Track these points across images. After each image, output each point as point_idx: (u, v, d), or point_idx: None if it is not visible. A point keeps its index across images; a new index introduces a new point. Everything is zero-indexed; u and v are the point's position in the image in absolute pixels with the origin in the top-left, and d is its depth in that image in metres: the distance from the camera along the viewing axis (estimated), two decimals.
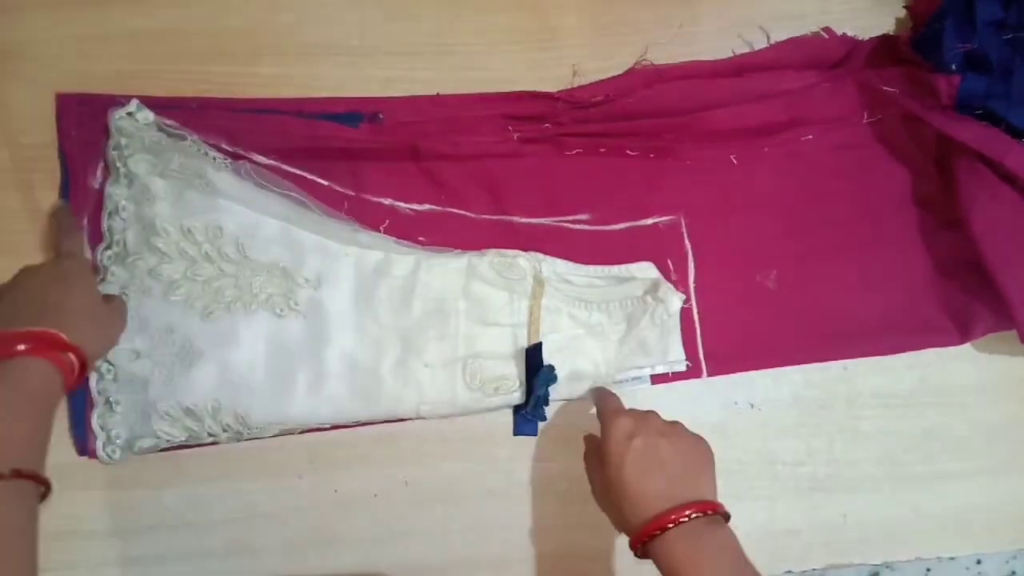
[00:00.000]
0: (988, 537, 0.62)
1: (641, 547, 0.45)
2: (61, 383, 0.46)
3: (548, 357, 0.58)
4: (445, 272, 0.58)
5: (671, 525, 0.43)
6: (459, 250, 0.59)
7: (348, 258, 0.57)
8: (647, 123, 0.61)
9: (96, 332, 0.51)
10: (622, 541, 0.59)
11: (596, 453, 0.52)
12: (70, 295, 0.49)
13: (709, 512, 0.44)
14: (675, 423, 0.50)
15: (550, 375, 0.57)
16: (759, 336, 0.61)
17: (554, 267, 0.60)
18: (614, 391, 0.58)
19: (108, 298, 0.54)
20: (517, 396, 0.58)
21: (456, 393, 0.58)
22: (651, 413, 0.50)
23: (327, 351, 0.57)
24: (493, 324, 0.59)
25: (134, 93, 0.58)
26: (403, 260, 0.58)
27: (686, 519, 0.43)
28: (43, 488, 0.43)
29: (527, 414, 0.58)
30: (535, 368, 0.57)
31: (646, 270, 0.61)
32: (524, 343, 0.59)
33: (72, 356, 0.47)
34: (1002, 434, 0.63)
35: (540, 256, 0.59)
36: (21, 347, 0.45)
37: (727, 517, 0.46)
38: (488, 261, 0.59)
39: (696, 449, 0.48)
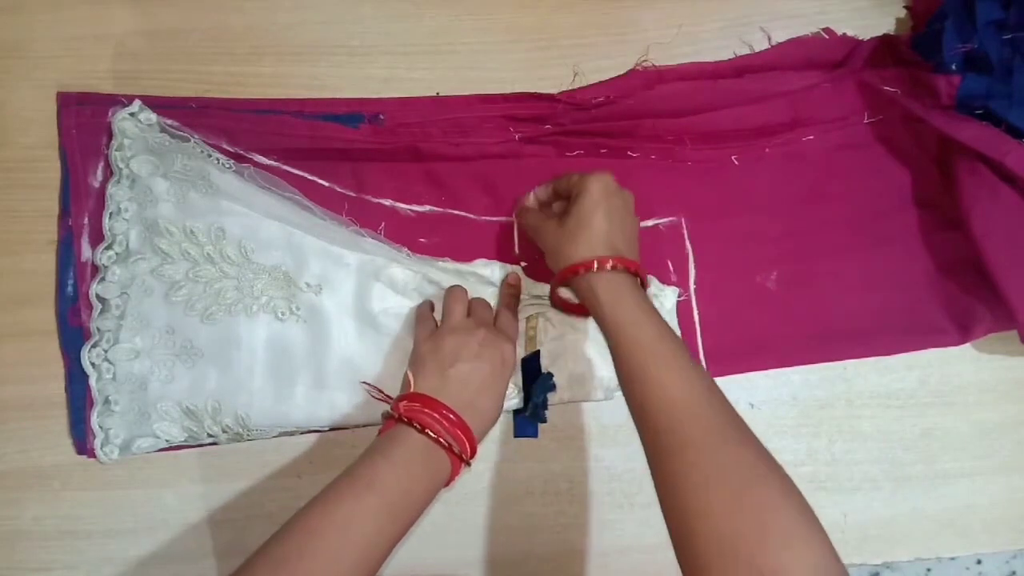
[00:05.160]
0: (988, 537, 0.62)
1: (574, 276, 0.51)
2: (443, 482, 0.48)
3: (548, 364, 0.58)
4: (448, 282, 0.58)
5: (617, 266, 0.50)
6: (461, 262, 0.60)
7: (350, 264, 0.57)
8: (648, 124, 0.61)
9: (484, 429, 0.51)
10: (620, 541, 0.60)
11: (554, 194, 0.58)
12: (493, 395, 0.51)
13: (639, 274, 0.51)
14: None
15: (547, 383, 0.57)
16: (759, 337, 0.61)
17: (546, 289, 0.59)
18: (615, 397, 0.58)
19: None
20: (516, 403, 0.58)
21: None
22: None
23: (327, 356, 0.56)
24: None
25: (134, 93, 0.58)
26: (405, 268, 0.58)
27: (621, 268, 0.50)
28: None
29: (526, 418, 0.58)
30: (533, 376, 0.58)
31: None
32: (522, 352, 0.59)
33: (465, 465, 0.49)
34: (1002, 434, 0.63)
35: (532, 283, 0.60)
36: (443, 440, 0.47)
37: (645, 284, 0.53)
38: (482, 272, 0.59)
39: (635, 219, 0.56)
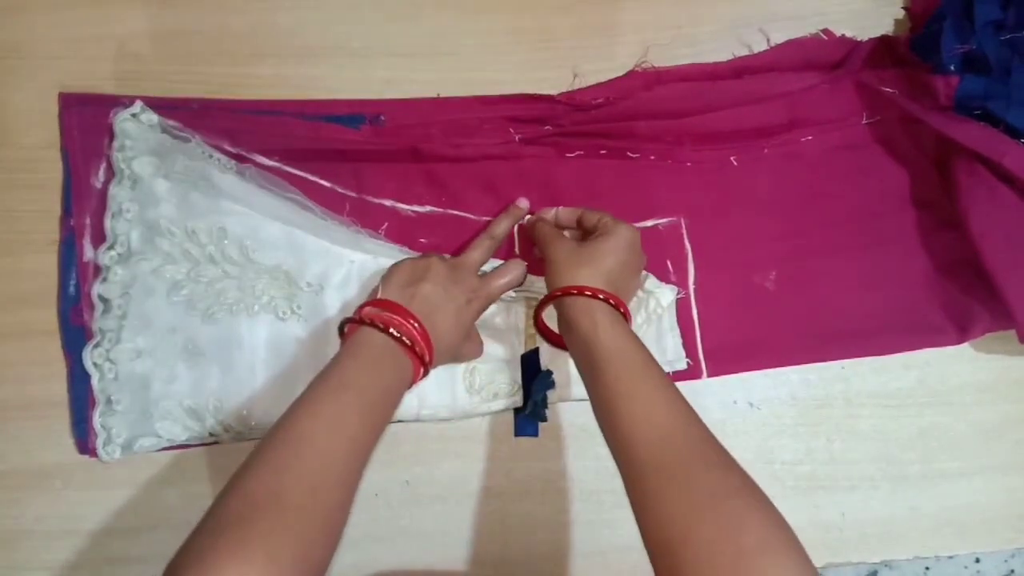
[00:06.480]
0: (986, 536, 0.62)
1: (572, 296, 0.51)
2: (408, 382, 0.49)
3: (547, 362, 0.59)
4: None
5: (618, 306, 0.51)
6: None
7: (352, 263, 0.57)
8: (647, 125, 0.61)
9: (440, 350, 0.52)
10: (621, 540, 0.60)
11: (578, 223, 0.59)
12: (454, 321, 0.51)
13: (626, 315, 0.52)
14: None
15: (547, 380, 0.57)
16: (758, 336, 0.62)
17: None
18: None
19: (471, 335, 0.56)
20: (516, 400, 0.58)
21: (456, 398, 0.58)
22: None
23: (328, 355, 0.56)
24: (492, 330, 0.59)
25: (136, 94, 0.58)
26: None
27: (613, 303, 0.51)
28: None
29: (527, 416, 0.58)
30: (533, 373, 0.58)
31: None
32: (522, 348, 0.59)
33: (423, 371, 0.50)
34: (1000, 433, 0.63)
35: (531, 278, 0.60)
36: (405, 339, 0.48)
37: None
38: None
39: (638, 281, 0.59)
